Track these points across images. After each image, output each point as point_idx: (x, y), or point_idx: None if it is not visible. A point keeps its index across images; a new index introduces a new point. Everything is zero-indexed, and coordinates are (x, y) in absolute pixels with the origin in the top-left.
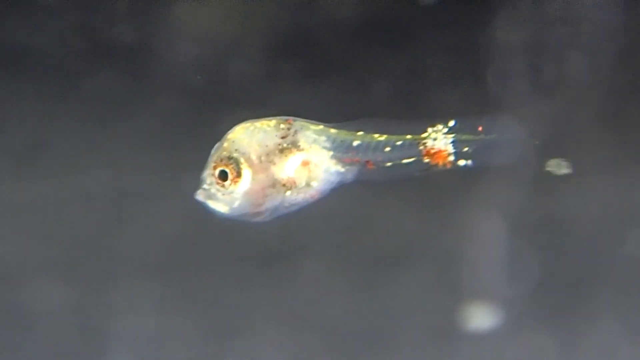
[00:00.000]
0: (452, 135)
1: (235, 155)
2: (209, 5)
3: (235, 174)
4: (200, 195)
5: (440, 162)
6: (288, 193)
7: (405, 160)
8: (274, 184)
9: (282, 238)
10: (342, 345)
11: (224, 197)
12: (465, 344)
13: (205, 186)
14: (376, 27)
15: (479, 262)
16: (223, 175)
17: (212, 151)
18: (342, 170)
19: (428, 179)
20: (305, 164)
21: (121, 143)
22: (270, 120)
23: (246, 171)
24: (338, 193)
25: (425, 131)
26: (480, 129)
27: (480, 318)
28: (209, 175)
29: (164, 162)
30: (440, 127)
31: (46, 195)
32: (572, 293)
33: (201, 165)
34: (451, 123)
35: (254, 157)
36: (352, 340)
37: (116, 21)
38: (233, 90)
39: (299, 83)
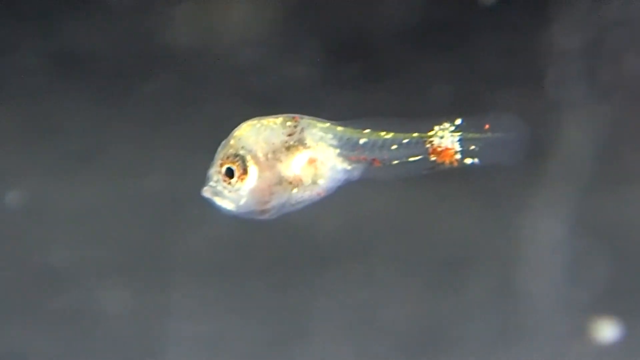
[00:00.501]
0: (459, 133)
1: (241, 152)
2: (264, 8)
3: (241, 171)
4: (206, 193)
5: (447, 161)
6: (294, 191)
7: (411, 158)
8: (280, 181)
9: (334, 240)
10: (406, 347)
11: (230, 195)
12: (525, 346)
13: (211, 183)
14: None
15: (535, 262)
16: (229, 173)
17: (219, 148)
18: (349, 168)
19: (455, 177)
20: (312, 161)
21: (178, 146)
22: (277, 117)
23: (252, 168)
24: (386, 193)
25: (432, 129)
26: (486, 127)
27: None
28: (216, 173)
29: None
30: (446, 125)
31: (104, 198)
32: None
33: None
34: (458, 121)
35: (260, 154)
36: (415, 342)
37: (173, 24)
38: (292, 94)
39: (354, 86)
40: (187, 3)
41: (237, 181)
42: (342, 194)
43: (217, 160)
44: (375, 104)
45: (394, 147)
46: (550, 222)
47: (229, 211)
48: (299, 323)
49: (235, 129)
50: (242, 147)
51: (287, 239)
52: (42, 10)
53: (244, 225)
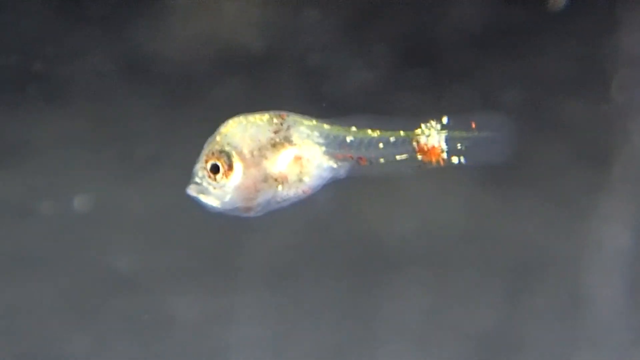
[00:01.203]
0: (445, 132)
1: (227, 148)
2: (332, 12)
3: (226, 167)
4: (191, 190)
5: (434, 159)
6: (280, 188)
7: (398, 157)
8: (266, 178)
9: (403, 244)
10: (476, 353)
11: (215, 191)
12: (597, 352)
13: (196, 180)
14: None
15: (606, 267)
16: (215, 169)
17: (205, 145)
18: (335, 166)
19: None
20: (298, 159)
21: None
22: (264, 114)
23: (238, 165)
24: (454, 198)
25: (419, 127)
26: (473, 126)
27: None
28: (201, 169)
29: None
30: (433, 123)
31: (172, 202)
32: None
33: None
34: (444, 120)
35: (246, 151)
36: (485, 348)
37: (242, 27)
38: (360, 98)
39: (420, 90)
40: (256, 6)
41: (222, 177)
42: (410, 199)
43: (203, 156)
44: (441, 106)
45: (381, 145)
46: (618, 227)
47: (214, 208)
48: (368, 328)
49: (221, 125)
50: (228, 144)
51: (355, 243)
52: (110, 14)
53: (312, 229)
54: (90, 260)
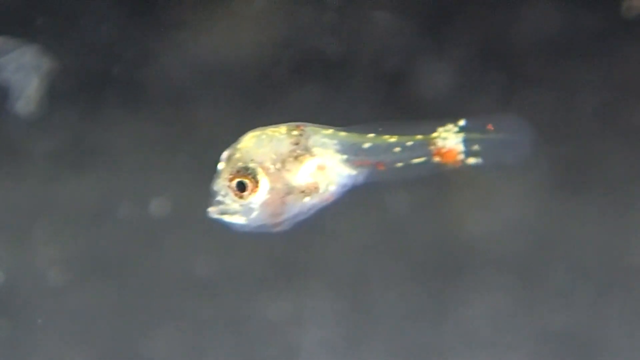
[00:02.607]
0: (462, 134)
1: (251, 165)
2: (405, 16)
3: (253, 184)
4: (213, 211)
5: (450, 161)
6: (305, 199)
7: (415, 161)
8: (291, 191)
9: (470, 248)
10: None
11: (241, 209)
12: None
13: (219, 199)
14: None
15: None
16: (240, 187)
17: (222, 162)
18: (354, 173)
19: None
20: (320, 168)
21: None
22: (280, 127)
23: (264, 180)
24: (523, 201)
25: (436, 131)
26: (490, 127)
27: None
28: (225, 188)
29: None
30: (450, 126)
31: None
32: None
33: None
34: (461, 122)
35: (269, 165)
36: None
37: (316, 32)
38: (434, 100)
39: (494, 92)
40: (329, 11)
41: (249, 195)
42: (481, 202)
43: (225, 175)
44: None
45: (397, 150)
46: None
47: (240, 226)
48: (440, 332)
49: (237, 141)
50: (251, 160)
51: (427, 246)
52: (187, 18)
53: (384, 232)
54: (166, 263)
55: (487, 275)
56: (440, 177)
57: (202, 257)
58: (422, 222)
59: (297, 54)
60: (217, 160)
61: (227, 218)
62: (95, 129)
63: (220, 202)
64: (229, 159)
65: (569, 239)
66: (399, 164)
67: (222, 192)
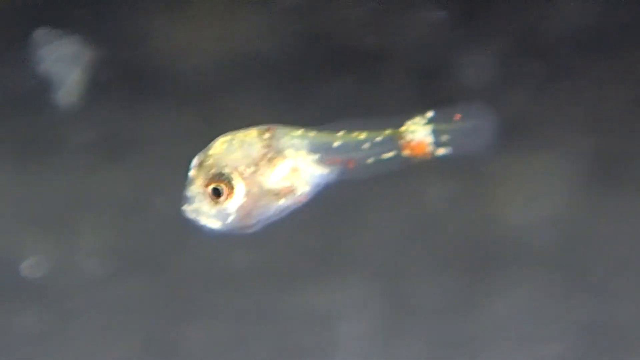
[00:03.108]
0: (431, 125)
1: (226, 170)
2: (438, 9)
3: (229, 189)
4: (190, 213)
5: (420, 154)
6: (281, 201)
7: (385, 156)
8: (266, 194)
9: (509, 240)
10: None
11: (216, 214)
12: None
13: (194, 203)
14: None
15: None
16: (216, 192)
17: (192, 166)
18: (326, 172)
19: None
20: (293, 170)
21: None
22: (250, 130)
23: (240, 185)
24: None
25: (404, 124)
26: (457, 116)
27: None
28: (200, 193)
29: None
30: (418, 118)
31: None
32: None
33: None
34: (429, 114)
35: (243, 170)
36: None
37: (352, 26)
38: (466, 94)
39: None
40: (363, 4)
41: (225, 200)
42: (519, 194)
43: (199, 180)
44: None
45: (367, 146)
46: None
47: (214, 230)
48: (478, 324)
49: (208, 146)
50: (225, 165)
51: (458, 238)
52: (222, 10)
53: (421, 225)
54: (201, 257)
55: (523, 268)
56: (478, 169)
57: (237, 249)
58: (457, 213)
59: (333, 46)
60: None
61: (202, 220)
62: (133, 121)
63: (196, 207)
64: (200, 165)
65: (605, 232)
66: (370, 160)
67: (197, 198)
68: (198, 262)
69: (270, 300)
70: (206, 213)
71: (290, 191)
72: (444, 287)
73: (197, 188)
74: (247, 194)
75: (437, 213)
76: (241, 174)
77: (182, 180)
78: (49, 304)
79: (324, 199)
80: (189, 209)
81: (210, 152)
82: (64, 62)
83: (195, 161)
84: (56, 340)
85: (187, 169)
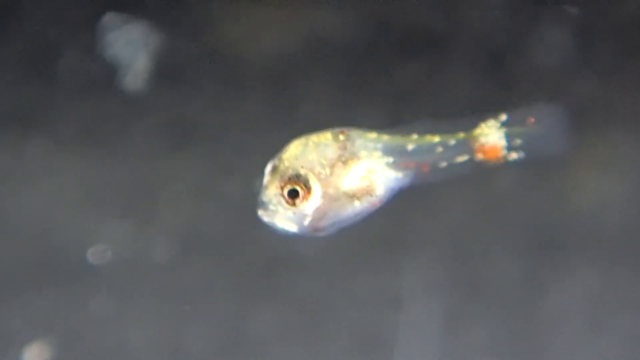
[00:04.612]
0: (504, 129)
1: (302, 172)
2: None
3: (305, 191)
4: (265, 217)
5: (494, 158)
6: (356, 204)
7: (458, 159)
8: (341, 196)
9: (565, 228)
10: None
11: (292, 216)
12: None
13: (271, 207)
14: None
15: None
16: (292, 194)
17: (268, 169)
18: (400, 175)
19: None
20: (368, 172)
21: None
22: (325, 133)
23: (316, 187)
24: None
25: (478, 127)
26: (531, 120)
27: None
28: (276, 195)
29: None
30: (492, 121)
31: None
32: None
33: None
34: (503, 117)
35: (320, 172)
36: None
37: (419, 11)
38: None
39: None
40: None
41: (302, 202)
42: (582, 183)
43: (275, 182)
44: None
45: (440, 149)
46: None
47: (290, 232)
48: (542, 309)
49: (283, 149)
50: (302, 167)
51: (525, 223)
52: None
53: (486, 210)
54: (271, 242)
55: (594, 251)
56: (543, 156)
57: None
58: (527, 195)
59: (401, 31)
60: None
61: (279, 223)
62: (201, 107)
63: (273, 210)
64: (275, 169)
65: None
66: (443, 164)
67: (274, 200)
68: (269, 247)
69: (341, 284)
70: (282, 216)
71: (366, 193)
72: (514, 269)
73: (272, 191)
74: (324, 195)
75: (507, 195)
76: (317, 175)
77: (246, 165)
78: (118, 290)
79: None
80: (264, 214)
81: (285, 155)
82: (132, 47)
83: (269, 166)
84: (125, 325)
85: (251, 154)
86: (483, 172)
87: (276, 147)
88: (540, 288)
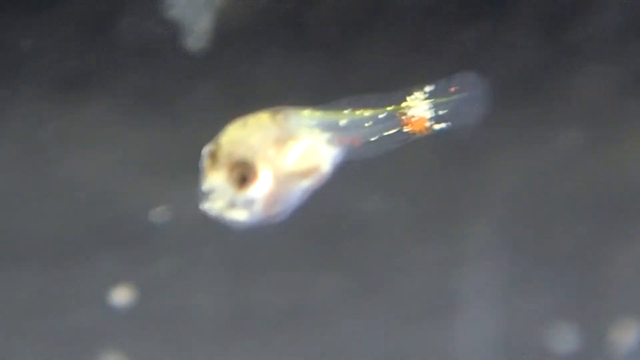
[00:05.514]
0: (430, 100)
1: (248, 155)
2: None
3: (253, 175)
4: (211, 209)
5: (420, 129)
6: (303, 183)
7: (386, 133)
8: (288, 177)
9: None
10: None
11: (241, 204)
12: None
13: (215, 196)
14: None
15: None
16: (240, 181)
17: (206, 156)
18: (337, 151)
19: None
20: (309, 150)
21: None
22: (262, 114)
23: (264, 171)
24: None
25: (405, 100)
26: (453, 89)
27: None
28: (219, 184)
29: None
30: (417, 94)
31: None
32: None
33: None
34: (428, 88)
35: (264, 154)
36: None
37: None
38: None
39: None
40: None
41: (251, 186)
42: None
43: (218, 169)
44: None
45: (370, 123)
46: None
47: (241, 222)
48: (600, 274)
49: (219, 134)
50: (245, 151)
51: (594, 186)
52: None
53: (540, 174)
54: (329, 206)
55: None
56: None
57: (365, 200)
58: (588, 160)
59: None
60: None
61: (229, 214)
62: (261, 69)
63: (217, 200)
64: (214, 155)
65: None
66: (373, 138)
67: (218, 190)
68: (327, 212)
69: (398, 250)
70: (230, 205)
71: (312, 171)
72: (580, 233)
73: (215, 179)
74: (272, 177)
75: (567, 160)
76: (263, 158)
77: None
78: (182, 252)
79: (451, 145)
80: (208, 206)
81: (224, 139)
82: (193, 8)
83: (206, 150)
84: (190, 287)
85: None
86: (545, 133)
87: (345, 101)
88: (605, 252)
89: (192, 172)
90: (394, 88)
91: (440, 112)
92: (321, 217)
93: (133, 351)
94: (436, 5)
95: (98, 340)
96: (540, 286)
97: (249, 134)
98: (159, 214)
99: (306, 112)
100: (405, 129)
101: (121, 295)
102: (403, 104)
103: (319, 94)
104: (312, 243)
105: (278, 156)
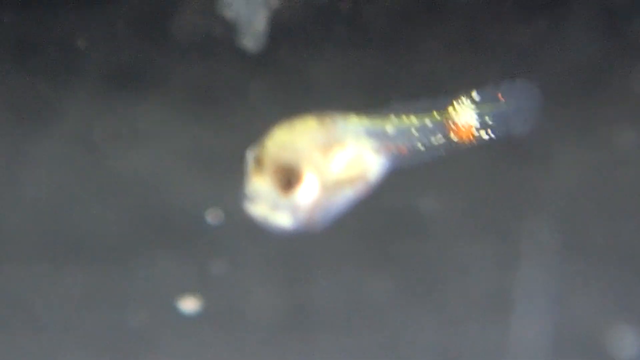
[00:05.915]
0: (476, 107)
1: (293, 160)
2: None
3: (298, 180)
4: (256, 211)
5: (466, 137)
6: (347, 190)
7: (433, 140)
8: (334, 184)
9: None
10: None
11: (285, 209)
12: None
13: (259, 200)
14: None
15: None
16: (285, 185)
17: (251, 160)
18: (384, 159)
19: None
20: (356, 157)
21: None
22: (309, 118)
23: (310, 176)
24: None
25: (453, 106)
26: (500, 97)
27: None
28: (265, 187)
29: None
30: (466, 100)
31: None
32: None
33: None
34: (474, 95)
35: (310, 159)
36: None
37: None
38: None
39: None
40: None
41: (295, 191)
42: None
43: (264, 173)
44: None
45: (417, 131)
46: None
47: (285, 227)
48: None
49: (266, 137)
50: (290, 155)
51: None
52: None
53: (599, 169)
54: (386, 203)
55: None
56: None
57: (423, 198)
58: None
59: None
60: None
61: (271, 218)
62: (318, 67)
63: (262, 203)
64: (260, 158)
65: None
66: (420, 145)
67: (263, 193)
68: (382, 211)
69: (453, 250)
70: (275, 209)
71: (358, 179)
72: (633, 235)
73: (261, 182)
74: (317, 184)
75: (626, 158)
76: (308, 163)
77: None
78: (235, 250)
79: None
80: (253, 209)
81: (271, 141)
82: (251, 7)
83: (252, 154)
84: (243, 285)
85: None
86: (602, 129)
87: (392, 107)
88: None
89: (245, 172)
90: (447, 89)
91: (488, 120)
92: (376, 216)
93: (191, 351)
94: (494, 2)
95: (154, 339)
96: (598, 286)
97: (295, 138)
98: (213, 213)
99: (354, 118)
100: (453, 137)
101: (179, 295)
102: (451, 111)
103: (371, 94)
104: (367, 243)
105: (324, 162)
